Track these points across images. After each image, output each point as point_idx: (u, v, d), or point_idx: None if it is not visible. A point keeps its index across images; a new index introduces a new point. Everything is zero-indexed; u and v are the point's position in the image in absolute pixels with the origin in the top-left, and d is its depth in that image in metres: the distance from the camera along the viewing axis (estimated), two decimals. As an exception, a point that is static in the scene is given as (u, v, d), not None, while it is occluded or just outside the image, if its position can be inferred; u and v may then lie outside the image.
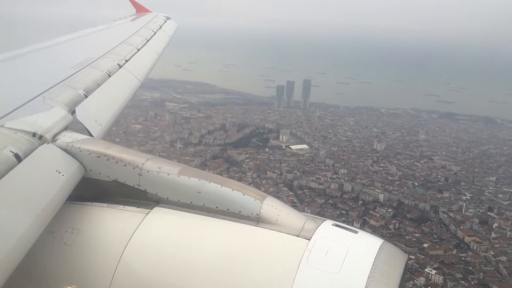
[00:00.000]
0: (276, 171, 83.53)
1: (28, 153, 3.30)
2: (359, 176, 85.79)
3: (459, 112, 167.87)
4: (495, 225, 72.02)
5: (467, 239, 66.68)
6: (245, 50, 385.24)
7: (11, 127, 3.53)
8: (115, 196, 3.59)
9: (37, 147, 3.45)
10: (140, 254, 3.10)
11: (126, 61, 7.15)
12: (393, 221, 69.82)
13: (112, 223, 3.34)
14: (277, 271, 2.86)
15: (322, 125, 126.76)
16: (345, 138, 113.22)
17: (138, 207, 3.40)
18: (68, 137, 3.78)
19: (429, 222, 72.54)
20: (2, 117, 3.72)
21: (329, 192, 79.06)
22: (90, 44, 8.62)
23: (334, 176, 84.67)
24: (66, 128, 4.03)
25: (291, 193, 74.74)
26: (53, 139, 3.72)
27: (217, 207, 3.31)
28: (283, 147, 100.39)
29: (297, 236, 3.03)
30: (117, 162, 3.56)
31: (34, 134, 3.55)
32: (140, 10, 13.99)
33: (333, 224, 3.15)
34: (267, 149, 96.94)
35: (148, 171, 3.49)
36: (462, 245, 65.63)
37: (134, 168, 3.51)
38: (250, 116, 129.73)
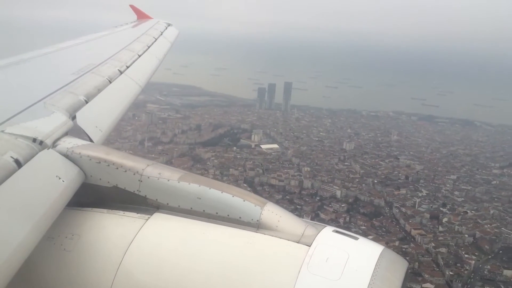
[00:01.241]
0: (239, 168, 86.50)
1: (28, 159, 3.29)
2: (321, 174, 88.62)
3: (440, 115, 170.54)
4: (445, 219, 74.80)
5: (413, 232, 69.46)
6: (239, 54, 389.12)
7: (11, 132, 3.54)
8: (115, 202, 3.59)
9: (37, 153, 3.44)
10: (140, 260, 3.12)
11: (127, 67, 7.19)
12: (344, 215, 72.55)
13: (112, 229, 3.34)
14: (278, 277, 2.87)
15: (297, 126, 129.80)
16: (317, 139, 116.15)
17: (138, 213, 3.42)
18: (68, 143, 3.79)
19: (381, 216, 75.33)
20: (2, 123, 3.72)
21: (288, 188, 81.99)
22: (91, 50, 8.68)
23: (296, 173, 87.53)
24: (66, 134, 4.03)
25: (250, 189, 77.52)
26: (54, 144, 3.72)
27: (217, 213, 3.31)
28: (253, 146, 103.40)
29: (297, 242, 3.04)
30: (117, 168, 3.57)
31: (34, 140, 3.55)
32: (141, 16, 14.07)
33: (333, 231, 3.16)
34: (235, 148, 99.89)
35: (148, 177, 3.50)
36: (407, 238, 68.37)
37: (134, 174, 3.53)
38: (228, 117, 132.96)
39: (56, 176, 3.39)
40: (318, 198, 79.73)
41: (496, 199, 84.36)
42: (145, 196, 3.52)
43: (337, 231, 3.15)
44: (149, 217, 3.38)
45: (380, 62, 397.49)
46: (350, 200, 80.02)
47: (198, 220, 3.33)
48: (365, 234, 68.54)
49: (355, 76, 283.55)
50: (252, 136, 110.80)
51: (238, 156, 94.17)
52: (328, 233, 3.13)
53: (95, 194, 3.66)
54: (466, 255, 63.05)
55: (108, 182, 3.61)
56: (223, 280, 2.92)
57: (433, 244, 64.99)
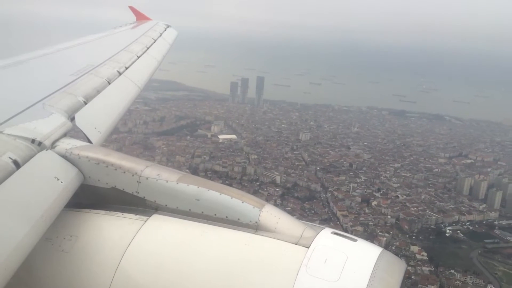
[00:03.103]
0: (186, 155, 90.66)
1: (27, 160, 3.30)
2: (267, 161, 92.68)
3: (414, 110, 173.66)
4: (374, 203, 78.73)
5: (338, 213, 73.46)
6: (232, 52, 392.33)
7: (10, 133, 3.55)
8: (113, 203, 3.62)
9: (36, 154, 3.46)
10: (138, 261, 3.14)
11: (126, 68, 7.21)
12: (275, 198, 76.58)
13: (110, 230, 3.36)
14: (276, 279, 2.89)
15: (262, 119, 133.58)
16: (276, 130, 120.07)
17: (136, 214, 3.45)
18: (67, 144, 3.81)
19: (314, 200, 79.36)
20: (1, 123, 3.73)
21: (231, 174, 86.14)
22: (90, 51, 8.69)
23: (242, 161, 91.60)
24: (65, 135, 4.05)
25: (189, 172, 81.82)
26: (52, 145, 3.74)
27: (215, 215, 3.33)
28: (209, 136, 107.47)
29: (295, 244, 3.06)
30: (116, 169, 3.59)
31: (33, 141, 3.57)
32: (140, 18, 14.12)
33: (332, 232, 3.17)
34: (188, 137, 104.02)
35: (147, 178, 3.52)
36: (332, 219, 72.35)
37: (133, 175, 3.55)
38: (196, 110, 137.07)
39: (55, 177, 3.38)
40: (258, 183, 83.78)
41: (431, 185, 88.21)
42: (144, 197, 3.54)
43: (335, 233, 3.16)
44: (147, 219, 3.39)
45: (371, 60, 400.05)
46: (288, 185, 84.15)
47: (197, 221, 3.34)
48: (291, 215, 72.13)
49: (342, 74, 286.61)
50: (212, 127, 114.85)
51: (190, 145, 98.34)
52: (326, 234, 3.13)
53: (93, 195, 3.66)
54: (380, 233, 66.94)
55: (107, 183, 3.61)
56: (222, 282, 2.93)
57: (351, 223, 68.90)
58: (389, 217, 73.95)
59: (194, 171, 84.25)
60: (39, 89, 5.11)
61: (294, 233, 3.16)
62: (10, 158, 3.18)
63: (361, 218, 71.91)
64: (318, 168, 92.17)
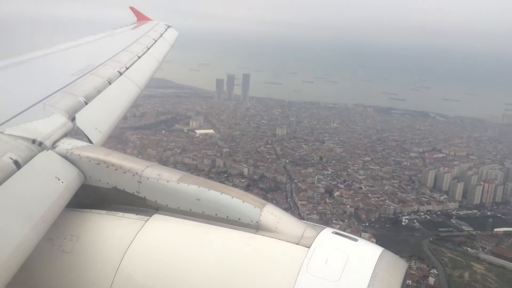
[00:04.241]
0: (158, 149, 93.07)
1: (27, 160, 3.31)
2: (238, 154, 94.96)
3: (400, 108, 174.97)
4: (337, 193, 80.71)
5: (298, 203, 75.54)
6: (227, 51, 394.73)
7: (10, 133, 3.56)
8: (114, 203, 3.63)
9: (36, 154, 3.46)
10: (139, 261, 3.15)
11: (127, 68, 7.24)
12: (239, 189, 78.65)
13: (111, 230, 3.37)
14: (277, 279, 2.89)
15: (243, 115, 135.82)
16: (255, 125, 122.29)
17: (137, 214, 3.45)
18: (67, 144, 3.81)
19: (278, 191, 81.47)
20: (1, 124, 3.73)
21: (200, 166, 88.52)
22: (90, 52, 8.72)
23: (213, 154, 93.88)
24: (65, 135, 4.05)
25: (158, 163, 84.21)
26: (53, 146, 3.74)
27: (216, 215, 3.34)
28: (185, 130, 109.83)
29: (296, 244, 3.07)
30: (116, 169, 3.59)
31: (33, 141, 3.57)
32: (141, 18, 14.09)
33: (332, 232, 3.16)
34: (163, 131, 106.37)
35: (147, 178, 3.53)
36: (292, 208, 74.41)
37: (133, 175, 3.56)
38: (179, 106, 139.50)
39: (56, 177, 3.40)
40: (225, 175, 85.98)
41: (396, 177, 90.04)
42: (145, 197, 3.56)
43: (336, 233, 3.17)
44: (148, 219, 3.41)
45: (369, 60, 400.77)
46: (255, 177, 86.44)
47: (198, 221, 3.37)
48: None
49: (337, 73, 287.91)
50: (190, 122, 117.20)
51: (164, 139, 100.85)
52: (327, 234, 3.15)
53: (94, 195, 3.69)
54: (334, 221, 68.94)
55: (108, 183, 3.63)
56: (223, 282, 2.96)
57: (308, 212, 70.96)
58: (348, 206, 75.95)
59: (164, 163, 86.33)
60: (39, 89, 5.10)
61: (295, 233, 3.15)
62: (10, 158, 3.18)
63: (320, 208, 73.95)
64: (287, 161, 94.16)
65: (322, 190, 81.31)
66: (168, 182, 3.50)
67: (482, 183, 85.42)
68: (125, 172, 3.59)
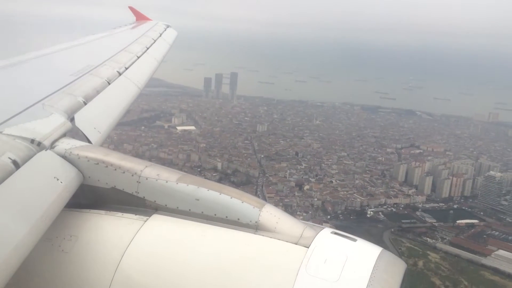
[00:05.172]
0: (135, 144, 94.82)
1: (26, 160, 3.32)
2: (214, 150, 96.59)
3: (388, 106, 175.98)
4: (307, 187, 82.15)
5: (267, 196, 77.01)
6: (223, 51, 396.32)
7: (9, 133, 3.57)
8: (113, 203, 3.63)
9: (35, 154, 3.47)
10: (138, 261, 3.16)
11: (126, 68, 7.26)
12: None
13: (110, 230, 3.37)
14: (276, 279, 2.89)
15: (227, 112, 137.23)
16: (237, 122, 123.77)
17: (136, 214, 3.46)
18: (66, 144, 3.80)
19: (249, 184, 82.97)
20: (1, 124, 3.74)
21: (175, 161, 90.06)
22: (90, 52, 8.74)
23: (189, 149, 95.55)
24: (64, 135, 4.04)
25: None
26: (52, 145, 3.74)
27: (215, 215, 3.34)
28: (166, 127, 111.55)
29: (295, 244, 3.07)
30: (115, 169, 3.59)
31: (32, 141, 3.57)
32: (140, 18, 14.11)
33: (331, 232, 3.17)
34: (143, 127, 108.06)
35: (146, 178, 3.53)
36: (259, 200, 75.81)
37: (132, 175, 3.55)
38: (165, 104, 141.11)
39: (54, 177, 3.40)
40: (199, 169, 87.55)
41: (367, 172, 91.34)
42: (144, 197, 3.56)
43: (335, 233, 3.17)
44: (147, 219, 3.41)
45: (367, 60, 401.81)
46: (228, 171, 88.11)
47: (197, 221, 3.37)
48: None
49: (333, 72, 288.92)
50: (173, 119, 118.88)
51: (143, 135, 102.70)
52: (326, 234, 3.14)
53: (93, 196, 3.69)
54: (298, 213, 70.39)
55: (106, 183, 3.63)
56: (222, 282, 2.96)
57: (274, 204, 72.08)
58: (315, 199, 77.36)
59: (140, 158, 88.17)
60: (39, 89, 5.10)
61: (294, 233, 3.15)
62: (9, 158, 3.19)
63: (286, 200, 75.42)
64: (262, 156, 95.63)
65: (293, 184, 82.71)
66: (167, 182, 3.50)
67: (450, 177, 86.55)
68: (124, 172, 3.58)
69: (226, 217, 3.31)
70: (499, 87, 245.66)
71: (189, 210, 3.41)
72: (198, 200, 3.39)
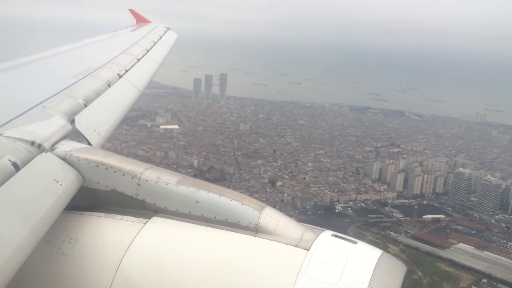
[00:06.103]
0: (114, 141, 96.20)
1: (26, 162, 3.32)
2: (193, 147, 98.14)
3: (377, 107, 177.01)
4: (279, 183, 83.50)
5: (238, 191, 78.24)
6: (221, 53, 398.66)
7: (10, 135, 3.58)
8: (113, 206, 3.62)
9: (35, 156, 3.47)
10: (138, 264, 3.15)
11: (126, 71, 7.30)
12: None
13: (110, 233, 3.36)
14: (276, 281, 2.89)
15: (213, 112, 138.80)
16: (221, 121, 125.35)
17: (136, 217, 3.45)
18: (66, 146, 3.80)
19: (223, 181, 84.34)
20: (1, 126, 3.75)
21: (152, 158, 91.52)
22: (90, 54, 8.78)
23: (168, 147, 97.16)
24: (65, 137, 4.04)
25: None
26: (52, 148, 3.74)
27: (215, 217, 3.32)
28: (148, 125, 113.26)
29: (295, 246, 3.06)
30: (115, 172, 3.58)
31: (32, 143, 3.58)
32: (140, 20, 14.12)
33: (332, 235, 3.15)
34: (125, 126, 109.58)
35: (146, 181, 3.52)
36: (230, 196, 77.25)
37: (132, 178, 3.54)
38: (152, 104, 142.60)
39: (54, 179, 3.39)
40: (175, 166, 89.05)
41: (342, 169, 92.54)
42: (143, 200, 3.54)
43: (335, 235, 3.14)
44: (147, 221, 3.40)
45: (365, 62, 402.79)
46: (204, 168, 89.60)
47: (197, 224, 3.35)
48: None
49: (329, 74, 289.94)
50: (157, 118, 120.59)
51: (124, 133, 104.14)
52: (326, 237, 3.12)
53: (93, 198, 3.68)
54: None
55: (106, 185, 3.62)
56: (222, 285, 2.95)
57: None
58: (286, 195, 78.65)
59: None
60: (39, 91, 5.12)
61: (294, 235, 3.13)
62: (9, 160, 3.19)
63: (256, 195, 76.58)
64: (240, 153, 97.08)
65: (266, 180, 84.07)
66: (167, 184, 3.48)
67: (422, 174, 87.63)
68: (124, 175, 3.57)
69: (226, 219, 3.29)
70: (493, 88, 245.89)
71: (189, 212, 3.40)
72: (198, 202, 3.37)
